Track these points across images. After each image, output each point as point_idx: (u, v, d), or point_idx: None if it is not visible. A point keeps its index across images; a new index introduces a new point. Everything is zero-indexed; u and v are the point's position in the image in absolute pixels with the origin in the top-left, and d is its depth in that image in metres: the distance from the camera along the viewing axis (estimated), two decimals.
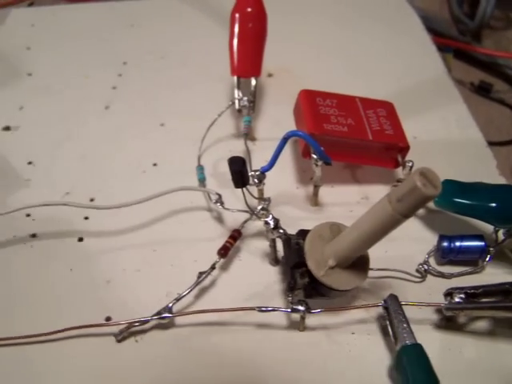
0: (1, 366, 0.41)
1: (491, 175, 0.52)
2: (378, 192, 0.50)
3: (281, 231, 0.43)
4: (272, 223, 0.43)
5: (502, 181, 0.51)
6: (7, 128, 0.58)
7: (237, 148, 0.53)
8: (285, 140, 0.44)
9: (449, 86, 0.62)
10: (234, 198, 0.50)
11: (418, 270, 0.46)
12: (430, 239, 0.47)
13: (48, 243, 0.48)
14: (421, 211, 0.49)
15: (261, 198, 0.46)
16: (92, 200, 0.51)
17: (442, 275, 0.45)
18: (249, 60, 0.55)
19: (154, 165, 0.54)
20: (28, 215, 0.50)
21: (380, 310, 0.42)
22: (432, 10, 0.76)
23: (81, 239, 0.49)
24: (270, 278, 0.46)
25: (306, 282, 0.41)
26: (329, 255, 0.39)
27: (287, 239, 0.42)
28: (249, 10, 0.55)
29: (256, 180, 0.45)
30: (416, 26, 0.70)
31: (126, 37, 0.70)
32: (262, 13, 0.55)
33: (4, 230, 0.49)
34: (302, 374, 0.40)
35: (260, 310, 0.41)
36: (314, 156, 0.46)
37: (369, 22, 0.71)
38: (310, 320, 0.42)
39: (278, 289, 0.45)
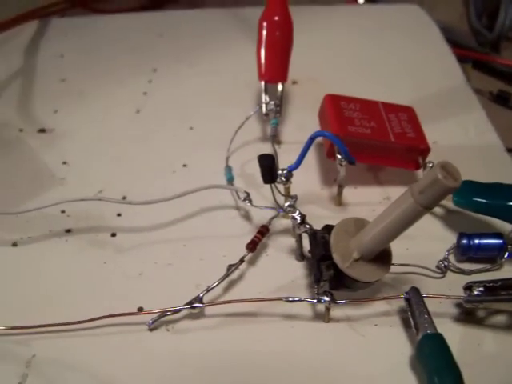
0: (37, 353, 0.42)
1: (509, 180, 0.53)
2: (399, 193, 0.50)
3: (307, 226, 0.45)
4: (299, 218, 0.45)
5: None
6: (42, 130, 0.61)
7: (263, 150, 0.54)
8: (311, 140, 0.46)
9: (468, 94, 0.64)
10: (261, 197, 0.52)
11: (438, 267, 0.47)
12: (449, 238, 0.49)
13: (82, 238, 0.50)
14: (441, 211, 0.51)
15: (288, 195, 0.48)
16: (124, 198, 0.53)
17: (461, 272, 0.47)
18: (276, 66, 0.57)
19: (184, 166, 0.56)
20: (63, 211, 0.52)
21: (401, 303, 0.44)
22: (451, 22, 0.77)
23: (114, 234, 0.50)
24: (296, 273, 0.47)
25: (331, 274, 0.42)
26: (353, 248, 0.41)
27: (313, 233, 0.44)
28: (276, 18, 0.57)
29: (283, 178, 0.47)
30: (436, 37, 0.72)
31: (155, 46, 0.72)
32: (289, 21, 0.57)
33: (40, 225, 0.51)
34: (327, 363, 0.42)
35: (287, 300, 0.42)
36: (339, 156, 0.48)
37: (391, 33, 0.73)
38: (335, 312, 0.44)
39: (303, 283, 0.46)
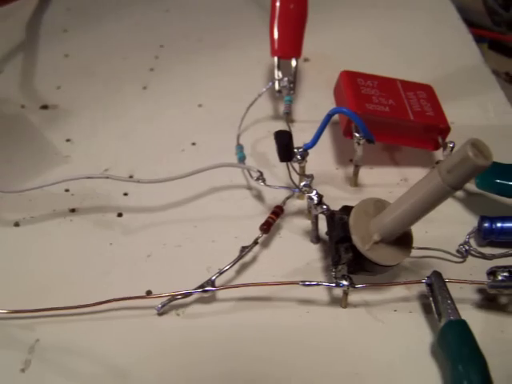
0: (41, 337, 0.41)
1: None
2: (416, 174, 0.50)
3: (324, 207, 0.43)
4: (316, 199, 0.43)
5: None
6: (45, 107, 0.59)
7: (275, 129, 0.52)
8: (329, 116, 0.44)
9: (486, 74, 0.62)
10: (273, 177, 0.50)
11: (458, 251, 0.45)
12: (470, 221, 0.47)
13: (87, 218, 0.49)
14: (461, 193, 0.49)
15: (304, 175, 0.46)
16: (131, 177, 0.51)
17: (483, 256, 0.45)
18: (289, 41, 0.56)
19: (193, 144, 0.55)
20: (67, 190, 0.50)
21: (421, 288, 0.42)
22: (465, 1, 0.75)
23: (120, 214, 0.49)
24: (311, 256, 0.46)
25: (350, 256, 0.40)
26: (374, 230, 0.39)
27: (331, 214, 0.42)
28: None
29: (299, 157, 0.45)
30: (452, 15, 0.70)
31: (162, 21, 0.70)
32: None
33: (43, 204, 0.49)
34: (344, 349, 0.40)
35: (304, 284, 0.41)
36: (357, 134, 0.46)
37: (406, 10, 0.71)
38: (352, 297, 0.42)
39: (318, 266, 0.45)
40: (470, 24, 0.71)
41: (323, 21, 0.66)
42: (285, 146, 0.43)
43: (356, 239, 0.39)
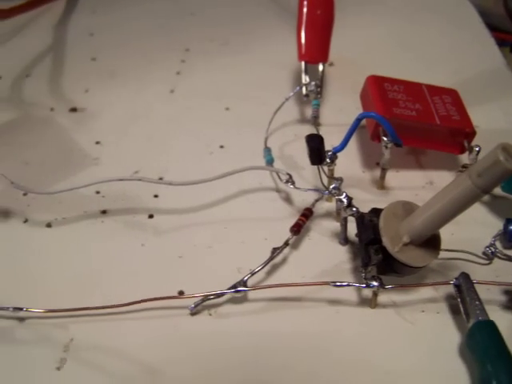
0: (75, 336, 0.41)
1: None
2: (442, 177, 0.51)
3: (354, 209, 0.43)
4: (346, 201, 0.44)
5: None
6: (74, 109, 0.60)
7: (302, 132, 0.54)
8: (358, 121, 0.45)
9: (508, 78, 0.62)
10: (301, 180, 0.51)
11: (484, 253, 0.46)
12: (495, 224, 0.47)
13: (118, 219, 0.49)
14: (486, 197, 0.50)
15: (333, 177, 0.47)
16: (161, 179, 0.52)
17: (508, 258, 0.45)
18: (317, 46, 0.56)
19: (221, 147, 0.55)
20: (98, 192, 0.51)
21: (448, 289, 0.43)
22: (486, 5, 0.76)
23: (151, 216, 0.49)
24: (340, 257, 0.46)
25: (379, 258, 0.41)
26: (403, 232, 0.40)
27: (361, 216, 0.43)
28: None
29: (328, 160, 0.46)
30: (474, 19, 0.70)
31: (187, 25, 0.71)
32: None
33: (75, 205, 0.50)
34: (373, 349, 0.41)
35: (335, 284, 0.41)
36: (385, 138, 0.47)
37: (428, 13, 0.72)
38: (380, 298, 0.43)
39: (347, 267, 0.45)
40: (492, 28, 0.71)
41: (345, 26, 0.66)
42: (317, 150, 0.44)
43: (386, 241, 0.40)
